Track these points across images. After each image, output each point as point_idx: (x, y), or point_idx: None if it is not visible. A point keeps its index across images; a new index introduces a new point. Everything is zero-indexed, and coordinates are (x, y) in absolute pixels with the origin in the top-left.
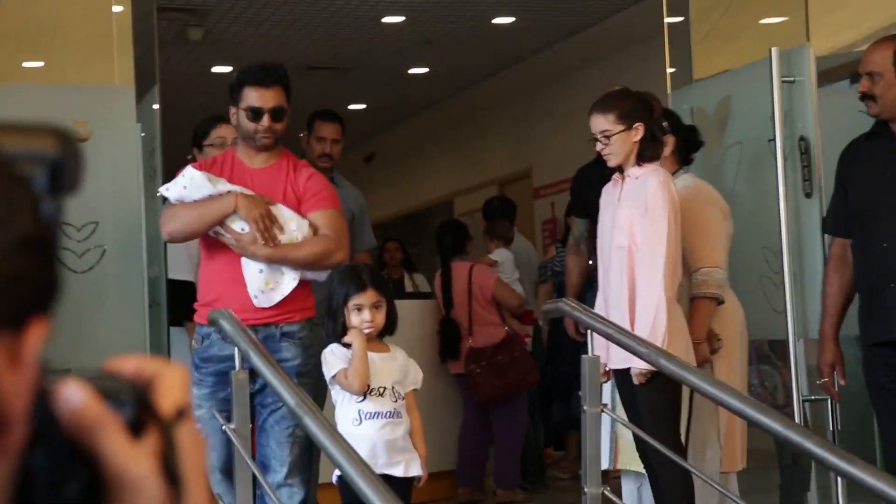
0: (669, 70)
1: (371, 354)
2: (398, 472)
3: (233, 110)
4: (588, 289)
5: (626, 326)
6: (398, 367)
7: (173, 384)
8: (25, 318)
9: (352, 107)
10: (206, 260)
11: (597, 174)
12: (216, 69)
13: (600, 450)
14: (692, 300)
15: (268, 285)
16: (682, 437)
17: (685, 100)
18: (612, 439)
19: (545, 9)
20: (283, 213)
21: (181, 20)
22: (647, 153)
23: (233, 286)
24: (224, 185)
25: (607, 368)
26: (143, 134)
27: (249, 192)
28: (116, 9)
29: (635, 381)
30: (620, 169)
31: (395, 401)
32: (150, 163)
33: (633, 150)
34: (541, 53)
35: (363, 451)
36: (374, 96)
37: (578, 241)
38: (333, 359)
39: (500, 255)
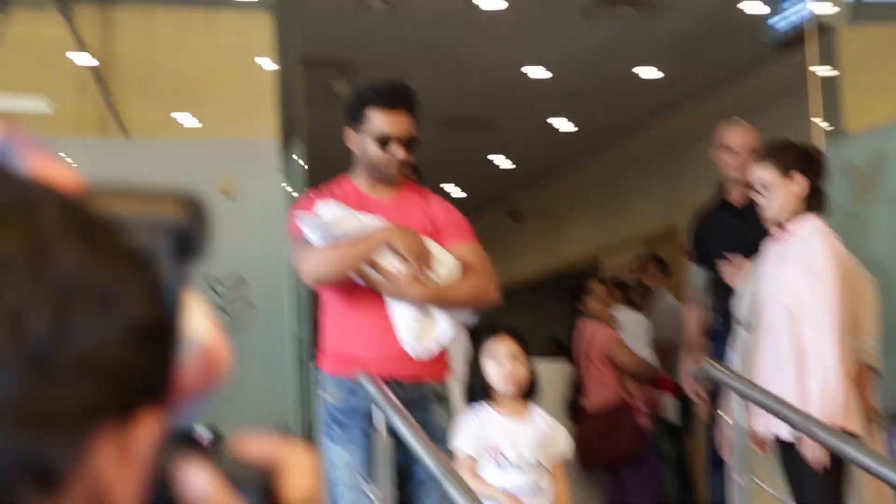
0: (819, 123)
1: (509, 422)
2: None
3: (347, 131)
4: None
5: (791, 393)
6: (540, 435)
7: (302, 472)
8: (135, 409)
9: (496, 161)
10: (341, 305)
11: (716, 217)
12: None
13: None
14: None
15: (422, 333)
16: None
17: (835, 154)
18: None
19: (692, 61)
20: (433, 246)
21: (328, 75)
22: (808, 207)
23: (383, 336)
24: (367, 218)
25: (762, 434)
26: (288, 188)
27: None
28: (264, 64)
29: (815, 466)
30: (779, 223)
31: (536, 472)
32: None
33: (791, 202)
34: (688, 106)
35: None
36: (519, 151)
37: (696, 291)
38: (465, 438)
39: (625, 315)
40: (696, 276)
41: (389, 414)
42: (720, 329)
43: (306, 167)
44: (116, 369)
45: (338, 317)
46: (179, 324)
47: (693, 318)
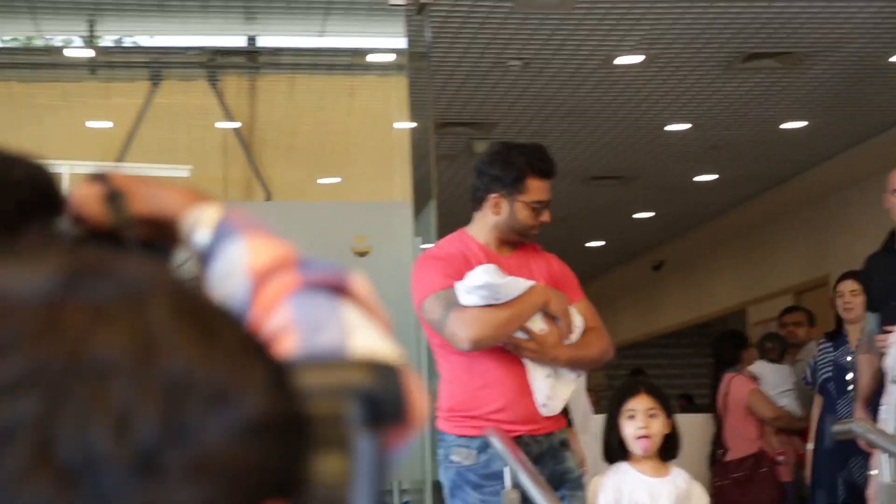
0: None
1: (648, 479)
2: None
3: (495, 197)
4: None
5: None
6: (678, 493)
7: None
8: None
9: (638, 215)
10: (471, 366)
11: (885, 263)
12: None
13: None
14: None
15: (554, 392)
16: None
17: None
18: None
19: (838, 113)
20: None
21: (466, 134)
22: None
23: (519, 395)
24: (523, 281)
25: None
26: (422, 247)
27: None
28: (399, 126)
29: None
30: None
31: None
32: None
33: None
34: (836, 157)
35: None
36: (661, 204)
37: (870, 338)
38: (604, 497)
39: (760, 367)
40: (868, 322)
41: (518, 471)
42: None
43: (437, 225)
44: (233, 469)
45: (466, 377)
46: (310, 422)
47: (866, 367)
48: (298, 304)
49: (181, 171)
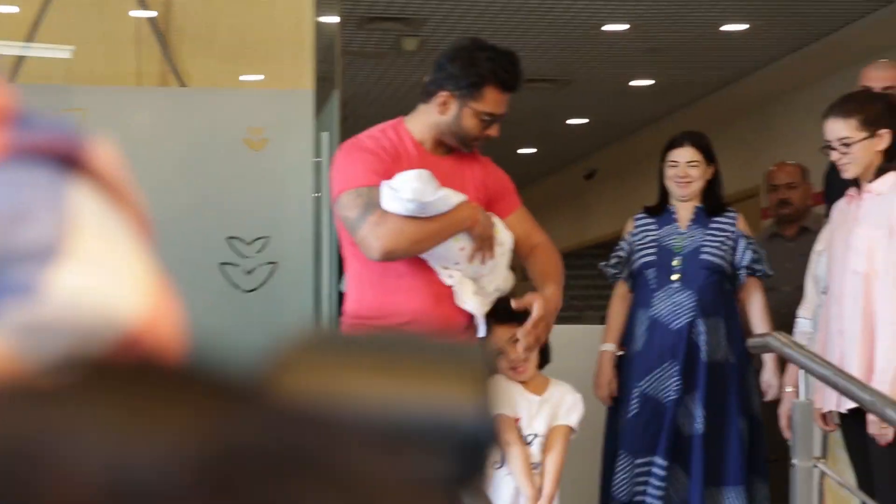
0: None
1: (523, 396)
2: None
3: (445, 96)
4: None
5: (861, 364)
6: (554, 409)
7: None
8: None
9: (572, 121)
10: (386, 268)
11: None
12: None
13: None
14: None
15: (483, 305)
16: None
17: None
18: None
19: (782, 14)
20: (497, 222)
21: (396, 30)
22: (888, 160)
23: (435, 303)
24: (454, 194)
25: (825, 411)
26: (325, 142)
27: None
28: (312, 17)
29: (880, 441)
30: (856, 183)
31: (543, 451)
32: (329, 173)
33: (874, 160)
34: (776, 63)
35: (506, 497)
36: (596, 110)
37: None
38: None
39: None
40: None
41: None
42: None
43: (340, 118)
44: None
45: (378, 279)
46: None
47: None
48: (0, 177)
49: (62, 52)
